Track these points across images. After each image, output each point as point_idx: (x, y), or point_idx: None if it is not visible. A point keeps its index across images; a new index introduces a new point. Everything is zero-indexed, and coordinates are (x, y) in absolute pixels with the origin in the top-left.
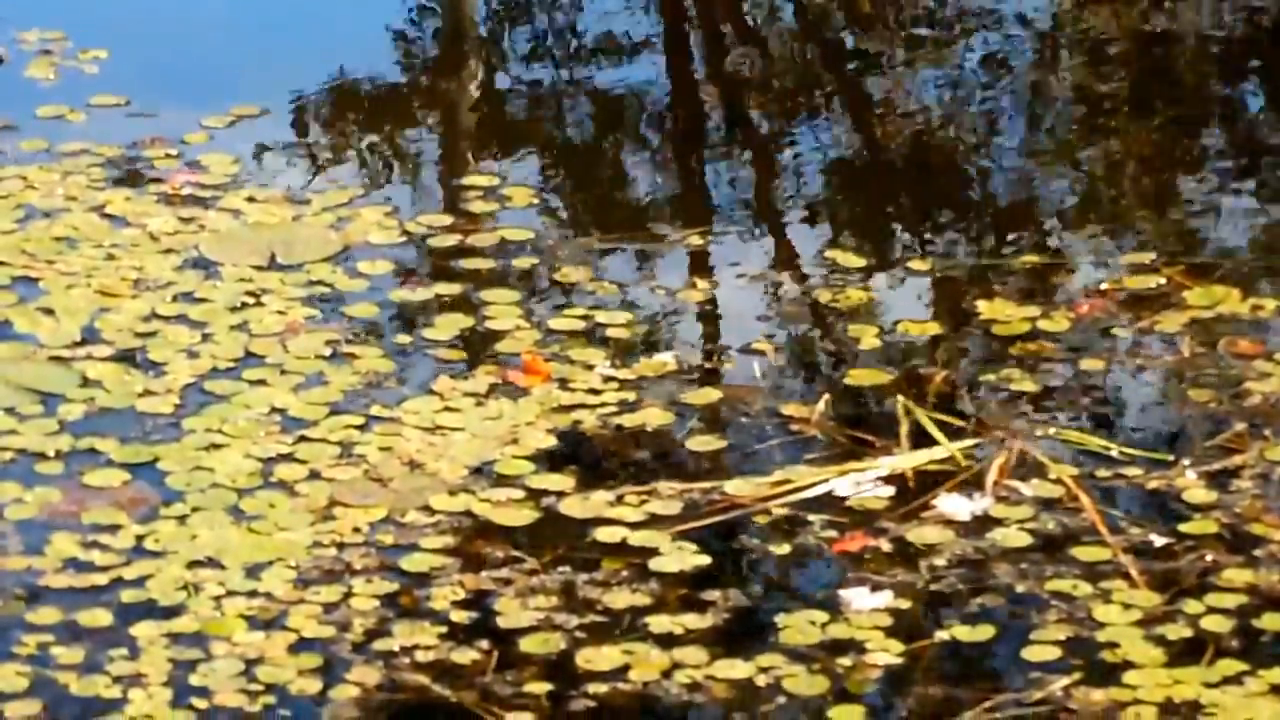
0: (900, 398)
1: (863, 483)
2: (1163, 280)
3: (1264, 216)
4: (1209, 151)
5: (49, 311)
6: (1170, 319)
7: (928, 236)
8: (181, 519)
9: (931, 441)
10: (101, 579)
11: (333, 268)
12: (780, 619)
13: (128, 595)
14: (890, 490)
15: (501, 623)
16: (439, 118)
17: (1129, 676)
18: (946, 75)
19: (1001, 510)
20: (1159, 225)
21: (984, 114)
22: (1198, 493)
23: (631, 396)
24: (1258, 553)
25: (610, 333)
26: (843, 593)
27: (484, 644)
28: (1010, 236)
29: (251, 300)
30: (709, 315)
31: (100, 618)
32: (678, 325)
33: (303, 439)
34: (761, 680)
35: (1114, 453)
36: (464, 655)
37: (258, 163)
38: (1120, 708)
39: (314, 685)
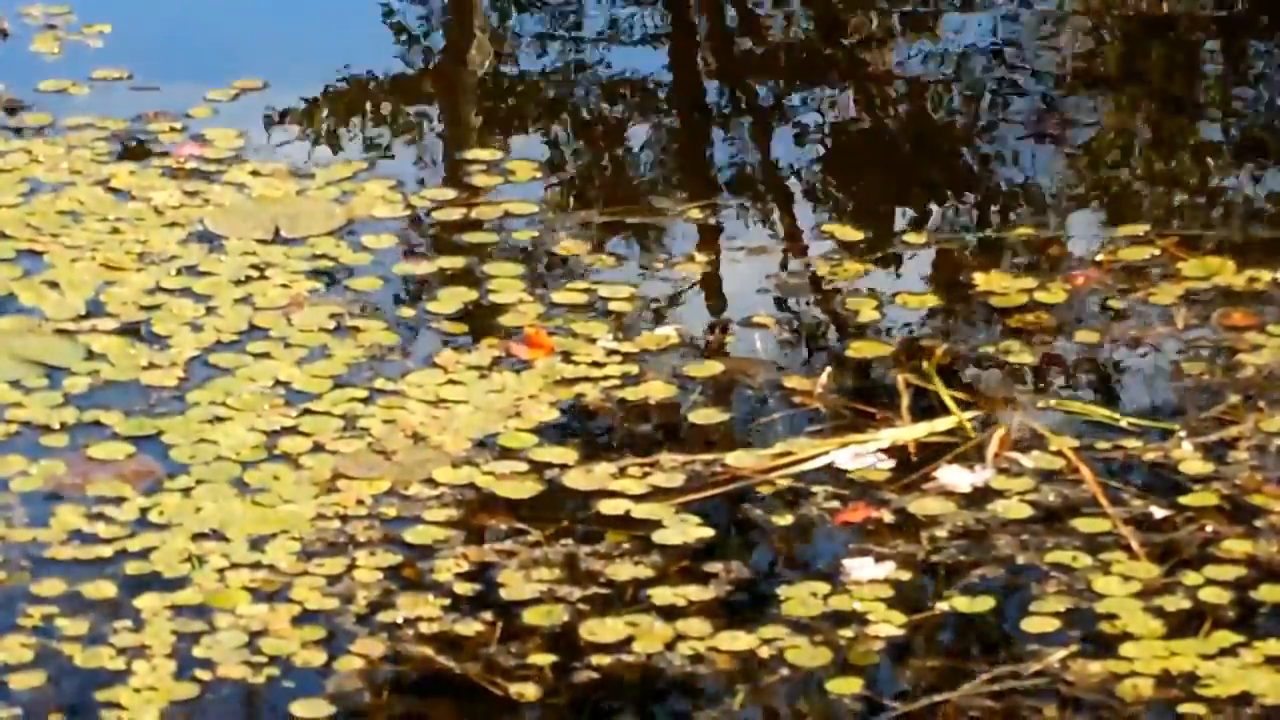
0: (902, 374)
1: (864, 454)
2: (1157, 252)
3: (1259, 188)
4: (1204, 123)
5: (54, 285)
6: (1165, 291)
7: (924, 210)
8: (185, 491)
9: (933, 413)
10: (106, 551)
11: (337, 241)
12: (782, 591)
13: (132, 567)
14: (891, 462)
15: (505, 595)
16: (442, 91)
17: (1126, 648)
18: (944, 51)
19: (1002, 482)
20: (1153, 197)
21: (980, 88)
22: (1195, 464)
23: (634, 370)
24: (1258, 524)
25: (613, 306)
26: (845, 563)
27: (487, 616)
28: (1006, 209)
29: (255, 274)
30: (710, 289)
31: (104, 590)
32: (679, 299)
33: (306, 412)
34: (764, 652)
35: (1123, 423)
36: (467, 627)
37: (262, 136)
38: (1117, 680)
39: (318, 657)
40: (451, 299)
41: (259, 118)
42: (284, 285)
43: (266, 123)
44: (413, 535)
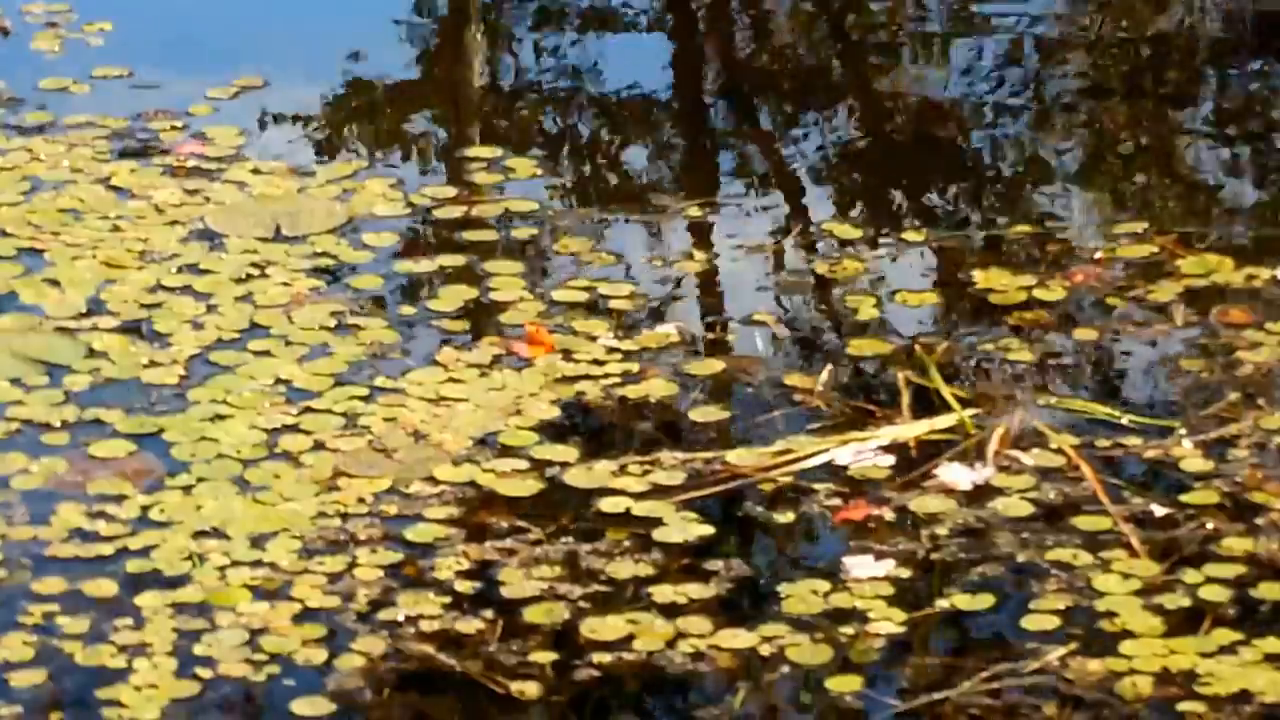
0: (902, 371)
1: (864, 452)
2: (1156, 249)
3: (1257, 187)
4: (1202, 123)
5: (55, 283)
6: (1164, 288)
7: (923, 207)
8: (186, 489)
9: (933, 411)
10: (107, 549)
11: (337, 239)
12: (783, 588)
13: (133, 565)
14: (891, 460)
15: (505, 593)
16: (443, 89)
17: (1126, 646)
18: (944, 49)
19: (1002, 480)
20: (1152, 194)
21: (980, 86)
22: (1195, 462)
23: (634, 367)
24: (1259, 521)
25: (613, 304)
26: (845, 561)
27: (488, 614)
28: (1005, 206)
29: (256, 272)
30: (710, 286)
31: (105, 588)
32: (680, 296)
33: (307, 410)
34: (765, 650)
35: (1123, 421)
36: (468, 625)
37: (262, 135)
38: (1117, 678)
39: (319, 655)
40: (452, 297)
41: (259, 116)
42: (285, 283)
43: (267, 121)
44: (413, 533)
